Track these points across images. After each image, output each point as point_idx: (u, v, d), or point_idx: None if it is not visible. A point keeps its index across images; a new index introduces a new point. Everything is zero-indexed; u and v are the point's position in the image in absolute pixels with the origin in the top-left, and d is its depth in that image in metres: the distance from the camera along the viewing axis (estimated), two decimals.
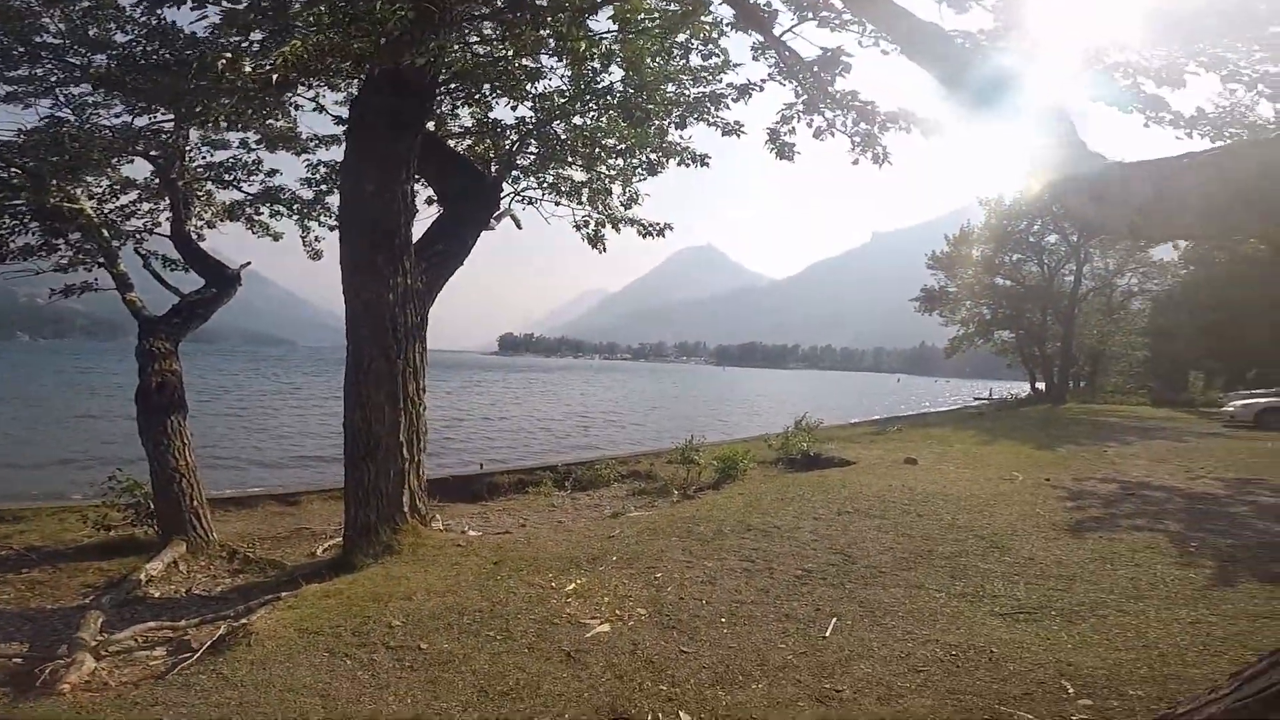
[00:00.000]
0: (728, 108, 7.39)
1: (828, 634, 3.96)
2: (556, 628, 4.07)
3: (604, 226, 8.39)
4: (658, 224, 8.28)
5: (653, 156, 8.23)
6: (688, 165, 8.25)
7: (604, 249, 8.54)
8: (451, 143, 8.26)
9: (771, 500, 7.66)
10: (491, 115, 8.08)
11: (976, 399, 48.65)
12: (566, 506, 10.17)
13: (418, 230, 6.73)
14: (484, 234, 7.83)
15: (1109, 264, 31.22)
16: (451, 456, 16.95)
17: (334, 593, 4.72)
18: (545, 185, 8.43)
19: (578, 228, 8.38)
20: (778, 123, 6.77)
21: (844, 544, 5.84)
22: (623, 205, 8.51)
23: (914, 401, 52.87)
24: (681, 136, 7.96)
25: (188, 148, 7.98)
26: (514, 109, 7.43)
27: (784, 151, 7.15)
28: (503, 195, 8.09)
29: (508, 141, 8.15)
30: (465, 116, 8.26)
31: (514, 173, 8.26)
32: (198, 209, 8.68)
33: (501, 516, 9.29)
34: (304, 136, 8.24)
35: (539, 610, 4.33)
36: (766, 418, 31.95)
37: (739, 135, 7.44)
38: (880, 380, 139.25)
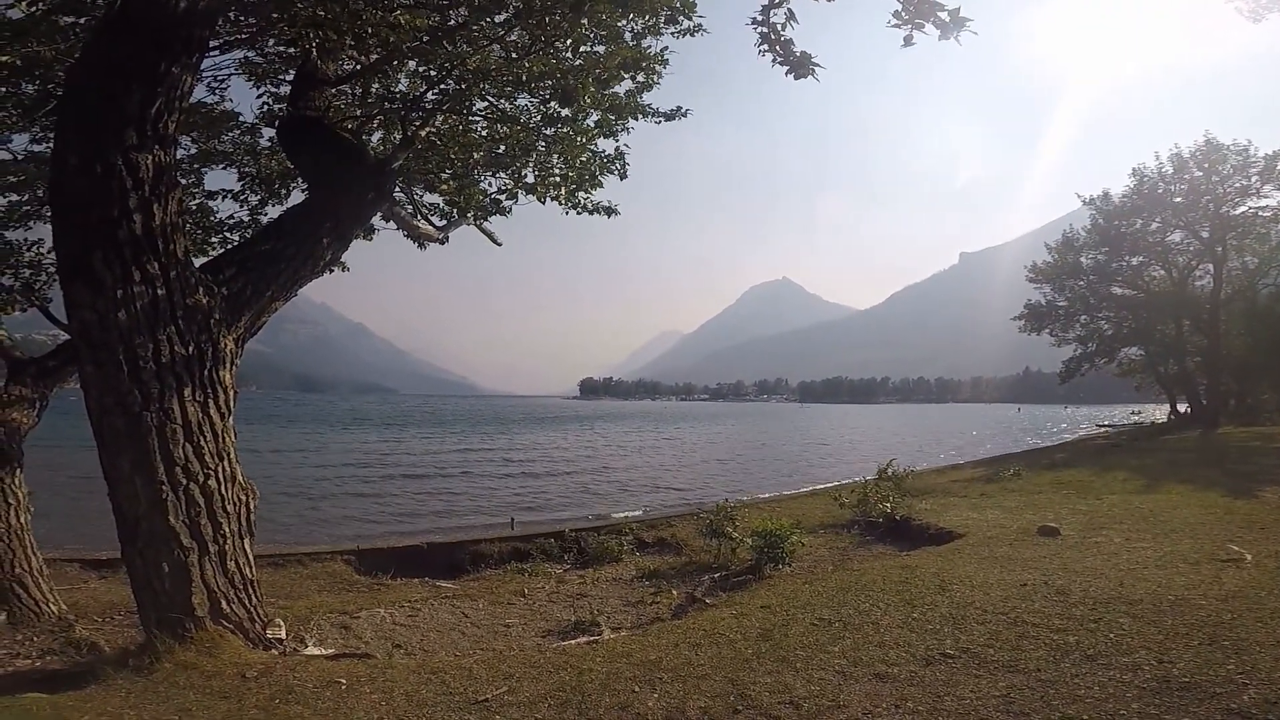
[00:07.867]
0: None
1: None
2: None
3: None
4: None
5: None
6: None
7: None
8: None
9: (810, 622, 4.57)
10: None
11: (1100, 426, 42.10)
12: (538, 596, 7.52)
13: None
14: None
15: (1248, 261, 26.10)
16: (481, 513, 15.59)
17: None
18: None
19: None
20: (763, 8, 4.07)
21: None
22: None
23: (1020, 435, 46.44)
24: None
25: None
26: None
27: (793, 61, 4.21)
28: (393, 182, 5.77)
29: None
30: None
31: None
32: None
33: (432, 610, 6.75)
34: None
35: None
36: (842, 462, 28.16)
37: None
38: (980, 412, 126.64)
